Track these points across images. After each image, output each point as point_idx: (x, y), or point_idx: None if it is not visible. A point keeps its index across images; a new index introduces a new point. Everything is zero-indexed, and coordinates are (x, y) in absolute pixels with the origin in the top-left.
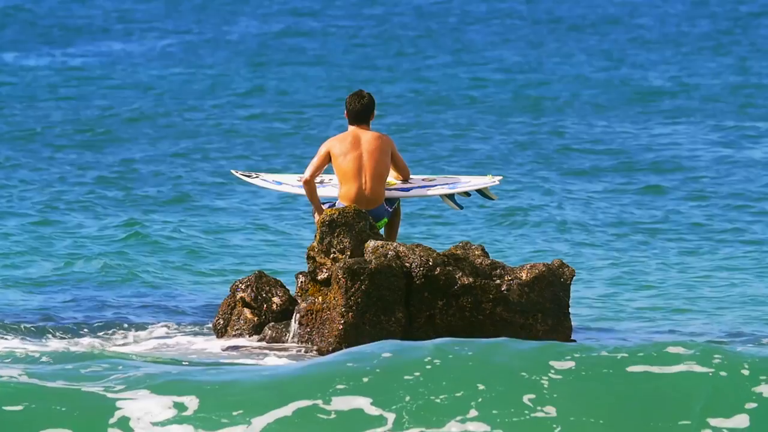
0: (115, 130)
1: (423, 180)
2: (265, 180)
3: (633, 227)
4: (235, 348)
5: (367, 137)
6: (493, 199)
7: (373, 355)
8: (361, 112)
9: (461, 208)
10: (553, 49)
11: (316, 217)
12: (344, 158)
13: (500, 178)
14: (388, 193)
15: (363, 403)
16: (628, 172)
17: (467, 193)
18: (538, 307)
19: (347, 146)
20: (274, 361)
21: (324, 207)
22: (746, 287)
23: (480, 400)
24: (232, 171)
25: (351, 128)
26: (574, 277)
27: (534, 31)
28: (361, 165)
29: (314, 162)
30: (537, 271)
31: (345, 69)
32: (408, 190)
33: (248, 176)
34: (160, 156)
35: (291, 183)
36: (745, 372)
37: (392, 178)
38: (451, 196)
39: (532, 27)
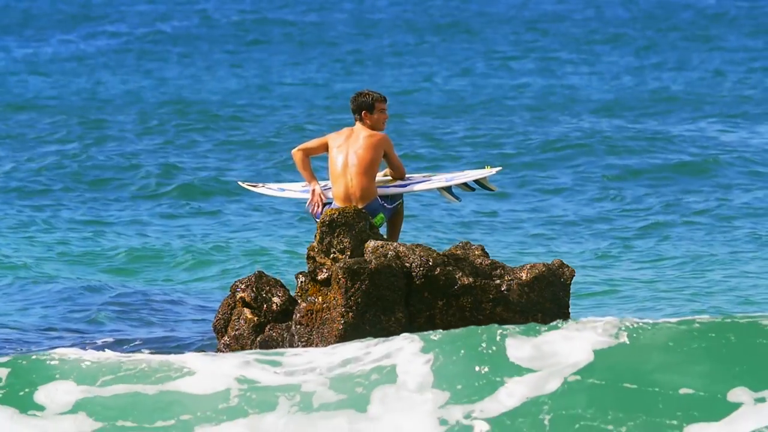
0: (113, 126)
1: (423, 177)
2: (270, 188)
3: (634, 226)
4: (233, 348)
5: (358, 134)
6: (492, 190)
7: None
8: (354, 111)
9: (459, 200)
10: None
11: (314, 187)
12: (335, 152)
13: (498, 168)
14: (386, 190)
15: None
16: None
17: (470, 188)
18: (538, 307)
19: (340, 141)
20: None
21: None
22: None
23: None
24: (239, 182)
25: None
26: (574, 277)
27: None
28: (347, 162)
29: (311, 140)
30: (537, 271)
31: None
32: (405, 185)
33: (254, 186)
34: (160, 157)
35: (294, 189)
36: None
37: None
38: (448, 189)
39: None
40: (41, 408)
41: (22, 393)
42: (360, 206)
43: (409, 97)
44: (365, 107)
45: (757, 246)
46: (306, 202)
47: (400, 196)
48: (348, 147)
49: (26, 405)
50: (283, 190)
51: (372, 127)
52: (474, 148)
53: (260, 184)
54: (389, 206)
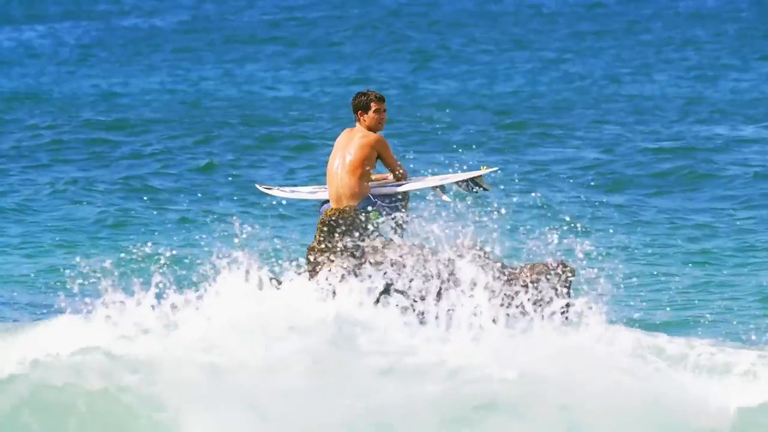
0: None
1: (422, 178)
2: (283, 191)
3: (637, 225)
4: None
5: (354, 135)
6: (487, 190)
7: None
8: (353, 111)
9: (451, 200)
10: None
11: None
12: (332, 154)
13: (495, 169)
14: (381, 190)
15: None
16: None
17: (472, 188)
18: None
19: (340, 141)
20: None
21: (324, 207)
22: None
23: None
24: (256, 185)
25: None
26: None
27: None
28: (337, 163)
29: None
30: (537, 270)
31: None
32: (400, 184)
33: (269, 189)
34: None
35: (304, 191)
36: None
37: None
38: (442, 188)
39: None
40: None
41: None
42: (350, 205)
43: (407, 97)
44: (361, 107)
45: None
46: (315, 203)
47: (401, 197)
48: (343, 148)
49: None
50: (294, 191)
51: (369, 128)
52: (472, 147)
53: (275, 187)
54: (386, 205)
